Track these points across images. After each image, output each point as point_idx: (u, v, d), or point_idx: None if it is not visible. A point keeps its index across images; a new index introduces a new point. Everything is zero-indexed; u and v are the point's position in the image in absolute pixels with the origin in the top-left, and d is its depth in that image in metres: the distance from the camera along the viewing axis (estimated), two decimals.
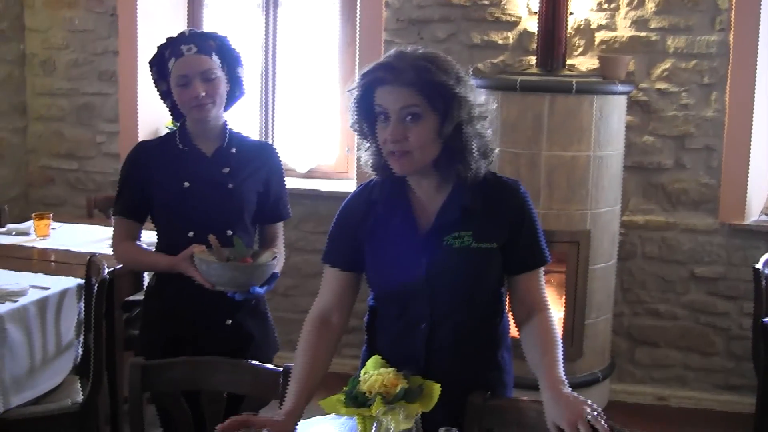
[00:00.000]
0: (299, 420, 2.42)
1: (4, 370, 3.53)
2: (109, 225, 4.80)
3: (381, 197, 2.54)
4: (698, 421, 5.21)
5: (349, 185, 5.73)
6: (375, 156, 2.51)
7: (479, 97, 2.45)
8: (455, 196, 2.47)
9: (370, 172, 2.56)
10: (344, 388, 2.37)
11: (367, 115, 2.44)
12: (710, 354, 5.40)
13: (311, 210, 5.68)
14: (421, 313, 2.51)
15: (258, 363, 2.80)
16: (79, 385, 3.96)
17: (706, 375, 5.42)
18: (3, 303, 3.61)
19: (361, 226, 2.55)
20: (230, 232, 3.14)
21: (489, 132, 2.49)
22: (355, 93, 2.44)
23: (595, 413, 2.18)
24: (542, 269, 2.57)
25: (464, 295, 2.51)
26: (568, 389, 2.28)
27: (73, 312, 3.92)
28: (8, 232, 4.91)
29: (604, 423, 2.17)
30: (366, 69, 2.41)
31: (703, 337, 5.39)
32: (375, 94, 2.39)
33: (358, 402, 2.31)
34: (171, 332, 3.19)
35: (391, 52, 2.41)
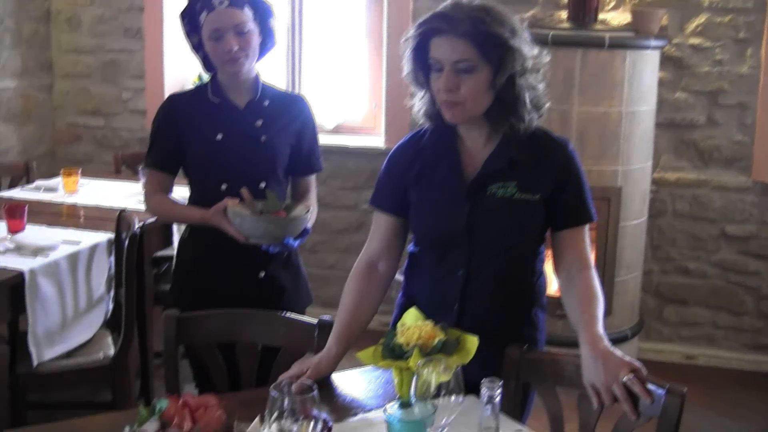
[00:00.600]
0: (339, 361, 2.48)
1: (37, 324, 3.53)
2: (136, 181, 4.83)
3: (430, 144, 2.54)
4: (726, 380, 5.19)
5: (377, 141, 5.71)
6: (428, 104, 2.52)
7: (533, 50, 2.45)
8: (503, 147, 2.47)
9: (423, 120, 2.57)
10: (381, 341, 2.36)
11: (422, 65, 2.44)
12: (740, 313, 5.36)
13: (339, 166, 5.67)
14: (459, 261, 2.50)
15: (293, 315, 2.79)
16: (110, 339, 3.96)
17: (735, 334, 5.38)
18: (34, 258, 3.61)
19: (408, 172, 2.55)
20: (263, 185, 3.11)
21: (542, 85, 2.49)
22: (411, 43, 2.44)
23: (632, 376, 2.16)
24: (587, 227, 2.54)
25: (503, 246, 2.50)
26: (607, 345, 2.26)
27: (104, 267, 3.91)
28: (37, 189, 4.91)
29: (641, 386, 2.15)
30: (422, 19, 2.42)
31: (733, 297, 5.35)
32: (430, 44, 2.39)
33: (395, 354, 2.29)
34: (203, 285, 3.18)
35: (447, 2, 2.40)
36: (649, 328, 5.43)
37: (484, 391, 1.70)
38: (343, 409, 2.34)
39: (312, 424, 1.76)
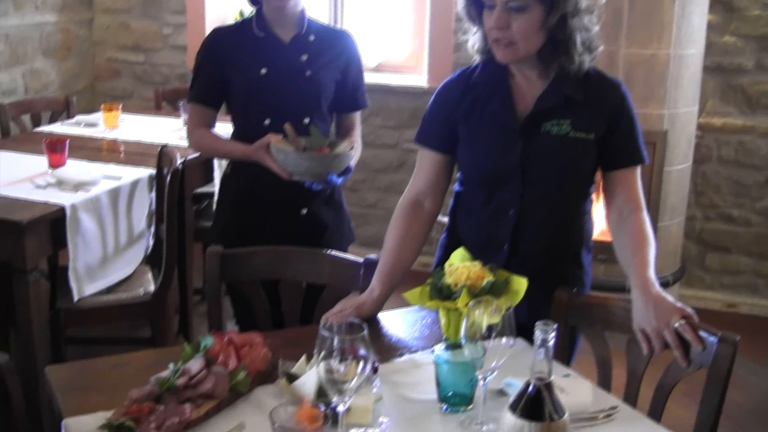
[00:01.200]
0: (384, 302, 2.48)
1: (78, 260, 3.52)
2: (177, 117, 4.80)
3: (481, 80, 2.50)
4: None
5: (420, 80, 5.65)
6: (481, 41, 2.48)
7: None
8: (557, 85, 2.42)
9: (476, 56, 2.52)
10: (428, 280, 2.32)
11: (475, 1, 2.40)
12: None
13: (381, 104, 5.62)
14: (510, 199, 2.46)
15: (338, 253, 2.76)
16: (150, 275, 3.96)
17: None
18: (75, 192, 3.59)
19: (458, 108, 2.51)
20: (307, 121, 3.06)
21: (596, 27, 2.44)
22: None
23: (683, 322, 2.13)
24: (638, 169, 2.49)
25: (556, 185, 2.46)
26: (659, 290, 2.22)
27: (145, 202, 3.90)
28: (78, 123, 4.90)
29: (693, 332, 2.12)
30: None
31: None
32: None
33: (443, 294, 2.25)
34: (245, 221, 3.15)
35: None
36: (691, 275, 5.37)
37: (538, 334, 1.65)
38: (388, 349, 2.31)
39: (360, 364, 1.73)
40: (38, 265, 3.43)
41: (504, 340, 1.86)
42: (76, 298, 3.56)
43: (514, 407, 1.70)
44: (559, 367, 2.20)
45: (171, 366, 2.03)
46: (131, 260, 3.87)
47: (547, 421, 1.67)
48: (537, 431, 1.66)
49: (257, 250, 2.76)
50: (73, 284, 3.53)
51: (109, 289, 3.75)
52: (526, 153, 2.41)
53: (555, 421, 1.67)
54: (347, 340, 1.73)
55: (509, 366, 1.92)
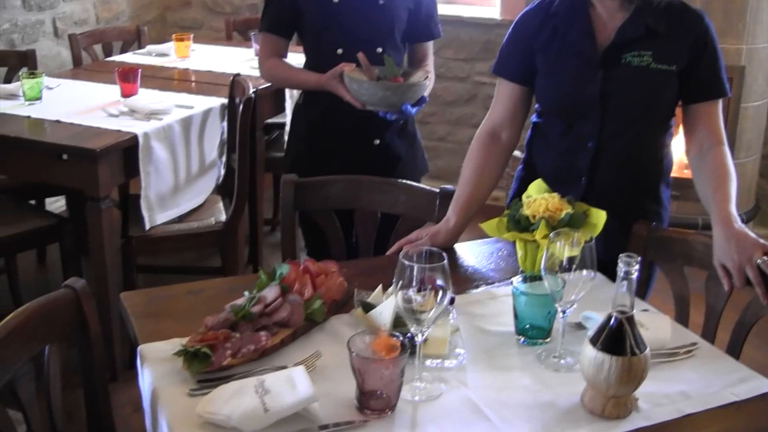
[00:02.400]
0: (460, 233, 2.45)
1: (150, 188, 3.54)
2: (248, 47, 4.78)
3: (560, 10, 2.43)
4: None
5: (492, 12, 5.56)
6: None
7: None
8: (638, 15, 2.34)
9: None
10: (506, 211, 2.29)
11: None
12: None
13: (452, 36, 5.54)
14: (589, 131, 2.41)
15: (414, 183, 2.74)
16: (221, 205, 3.97)
17: None
18: (148, 121, 3.59)
19: (536, 38, 2.45)
20: (380, 50, 3.02)
21: None
22: None
23: (766, 258, 2.08)
24: (720, 102, 2.42)
25: (636, 117, 2.39)
26: (740, 225, 2.18)
27: (216, 131, 3.89)
28: (149, 53, 4.90)
29: None
30: None
31: None
32: None
33: (520, 226, 2.22)
34: (317, 151, 3.13)
35: None
36: (765, 214, 5.27)
37: (621, 266, 1.62)
38: (465, 280, 2.29)
39: (439, 294, 1.71)
40: (110, 194, 3.45)
41: (584, 272, 1.82)
42: (147, 226, 3.58)
43: (594, 340, 1.68)
44: (637, 302, 2.16)
45: (246, 294, 2.03)
46: (202, 189, 3.88)
47: (628, 355, 1.64)
48: (618, 366, 1.64)
49: (332, 179, 2.75)
50: (145, 213, 3.55)
51: (181, 218, 3.76)
52: (606, 84, 2.35)
53: (636, 356, 1.65)
54: (427, 269, 1.70)
55: (588, 300, 1.89)
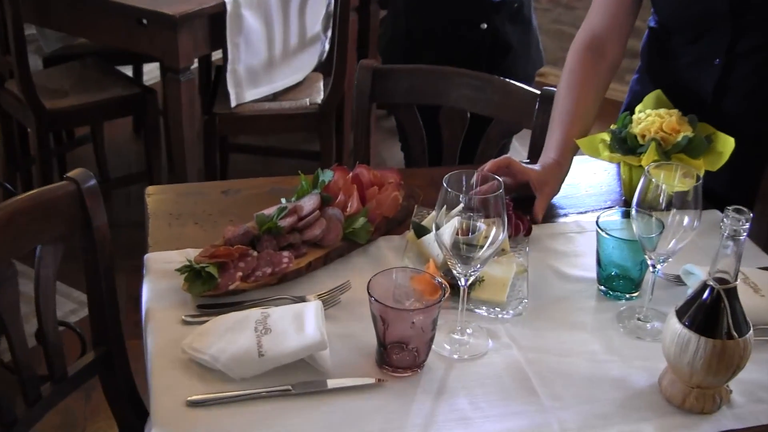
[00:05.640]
0: (564, 174, 1.90)
1: (239, 61, 3.22)
2: None
3: None
4: None
5: None
6: None
7: None
8: None
9: None
10: (611, 126, 1.87)
11: None
12: None
13: None
14: (717, 46, 1.92)
15: (512, 81, 2.29)
16: (321, 84, 3.62)
17: None
18: None
19: None
20: None
21: None
22: None
23: None
24: None
25: None
26: None
27: (322, 2, 3.50)
28: None
29: None
30: None
31: None
32: None
33: (626, 147, 1.81)
34: (415, 32, 2.77)
35: None
36: None
37: (726, 223, 1.20)
38: (550, 206, 1.88)
39: (493, 229, 1.34)
40: (192, 65, 3.17)
41: (687, 218, 1.41)
42: (234, 103, 3.30)
43: (681, 312, 1.28)
44: (756, 256, 1.74)
45: (282, 201, 1.69)
46: (302, 66, 3.54)
47: (723, 338, 1.24)
48: (707, 349, 1.25)
49: (416, 69, 2.34)
50: (231, 88, 3.26)
51: (275, 96, 3.44)
52: None
53: (734, 339, 1.25)
54: (478, 197, 1.34)
55: (691, 250, 1.50)
